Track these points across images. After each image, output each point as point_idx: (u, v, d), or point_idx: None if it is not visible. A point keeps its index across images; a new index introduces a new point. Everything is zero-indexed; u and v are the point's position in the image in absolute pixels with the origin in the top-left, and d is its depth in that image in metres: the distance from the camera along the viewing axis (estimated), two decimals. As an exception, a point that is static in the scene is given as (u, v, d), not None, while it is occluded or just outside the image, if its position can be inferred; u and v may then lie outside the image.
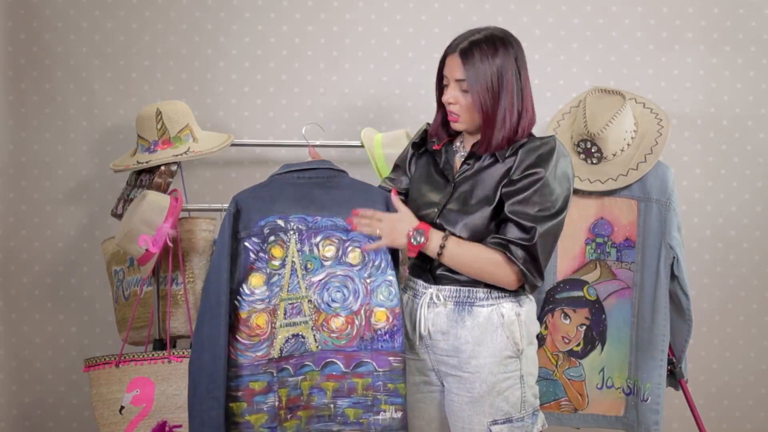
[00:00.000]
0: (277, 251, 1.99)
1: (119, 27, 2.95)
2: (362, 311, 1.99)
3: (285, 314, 1.98)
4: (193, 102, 2.82)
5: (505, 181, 1.93)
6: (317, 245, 2.01)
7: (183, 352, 2.34)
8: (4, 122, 2.94)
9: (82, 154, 2.96)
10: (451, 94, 1.95)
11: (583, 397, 2.57)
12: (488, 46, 1.91)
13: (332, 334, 1.99)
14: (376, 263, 2.00)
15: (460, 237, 1.93)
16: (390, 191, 2.08)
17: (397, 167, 2.21)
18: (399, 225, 1.93)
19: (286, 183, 2.05)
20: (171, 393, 2.32)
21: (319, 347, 1.99)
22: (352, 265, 2.00)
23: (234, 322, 1.95)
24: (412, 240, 1.90)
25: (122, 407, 2.31)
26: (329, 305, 1.99)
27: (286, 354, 1.98)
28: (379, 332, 1.98)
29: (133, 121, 2.64)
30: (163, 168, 2.51)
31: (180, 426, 2.31)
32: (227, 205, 2.58)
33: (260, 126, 2.97)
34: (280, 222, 2.00)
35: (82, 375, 2.85)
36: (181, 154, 2.51)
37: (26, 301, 2.97)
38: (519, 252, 1.87)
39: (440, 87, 2.02)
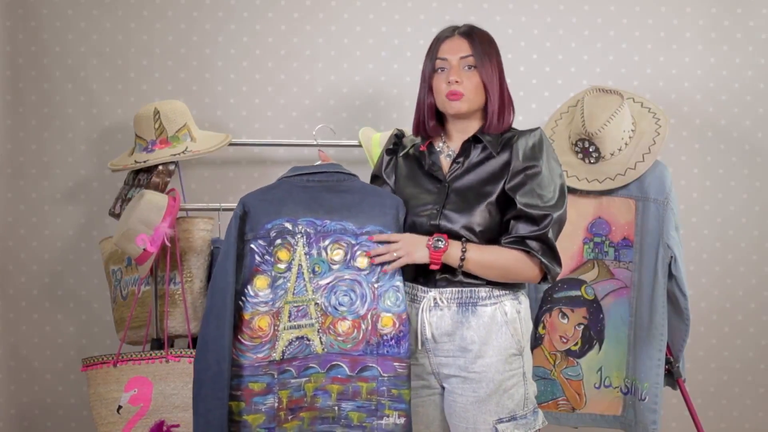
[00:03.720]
0: (283, 254, 1.99)
1: (117, 26, 2.95)
2: (369, 316, 1.98)
3: (290, 317, 1.98)
4: (192, 101, 2.82)
5: (506, 177, 1.96)
6: (325, 249, 2.00)
7: (181, 352, 2.34)
8: (2, 122, 2.94)
9: (80, 153, 2.96)
10: (456, 72, 1.97)
11: (581, 396, 2.58)
12: (483, 33, 2.04)
13: (338, 338, 1.99)
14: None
15: (468, 239, 1.96)
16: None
17: (376, 177, 2.20)
18: (415, 239, 1.96)
19: (295, 186, 2.04)
20: (169, 392, 2.32)
21: (325, 350, 1.99)
22: (360, 270, 1.99)
23: (237, 323, 1.95)
24: (433, 246, 1.92)
25: (120, 407, 2.31)
26: (336, 309, 1.99)
27: (289, 356, 1.97)
28: (385, 337, 1.97)
29: (131, 120, 2.64)
30: (161, 167, 2.51)
31: (178, 425, 2.31)
32: (225, 204, 2.61)
33: (258, 125, 2.97)
34: (288, 225, 1.99)
35: (80, 374, 2.85)
36: (179, 154, 2.51)
37: (24, 301, 2.97)
38: (535, 245, 1.92)
39: (429, 81, 2.03)
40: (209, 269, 2.50)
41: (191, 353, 2.33)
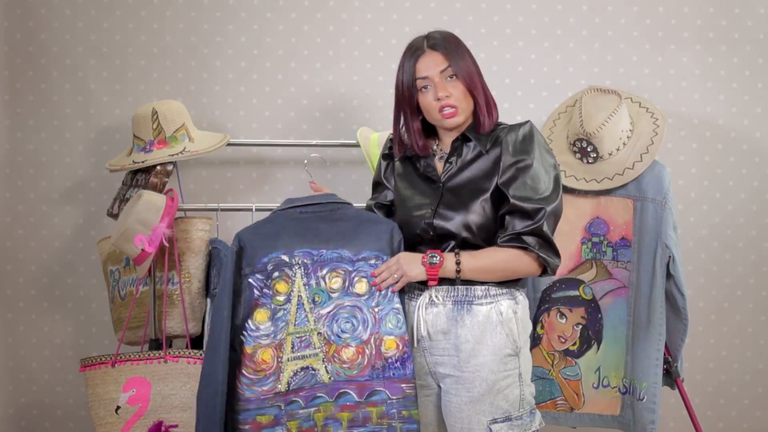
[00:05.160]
0: (281, 287, 2.01)
1: (115, 26, 2.95)
2: (372, 340, 2.00)
3: (293, 348, 2.00)
4: (189, 101, 2.82)
5: (498, 172, 1.96)
6: (323, 278, 2.02)
7: (179, 352, 2.34)
8: (0, 122, 2.94)
9: (78, 153, 2.96)
10: (442, 87, 1.98)
11: (579, 396, 2.58)
12: (451, 38, 2.03)
13: (344, 365, 2.00)
14: (383, 292, 2.02)
15: (464, 237, 1.97)
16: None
17: (377, 185, 2.22)
18: (409, 257, 1.99)
19: (289, 218, 2.07)
20: (167, 393, 2.32)
21: (332, 378, 2.00)
22: (359, 295, 2.01)
23: (240, 357, 1.98)
24: (428, 262, 1.95)
25: (118, 407, 2.31)
26: (339, 336, 2.00)
27: (295, 387, 1.99)
28: (389, 360, 1.99)
29: (129, 120, 2.64)
30: (159, 168, 2.51)
31: (176, 426, 2.31)
32: (223, 204, 2.61)
33: (256, 125, 2.97)
34: (285, 257, 2.02)
35: (79, 375, 2.84)
36: (177, 154, 2.51)
37: (22, 301, 2.97)
38: (531, 239, 1.92)
39: (410, 101, 2.03)
40: (207, 270, 2.50)
41: (189, 354, 2.33)
